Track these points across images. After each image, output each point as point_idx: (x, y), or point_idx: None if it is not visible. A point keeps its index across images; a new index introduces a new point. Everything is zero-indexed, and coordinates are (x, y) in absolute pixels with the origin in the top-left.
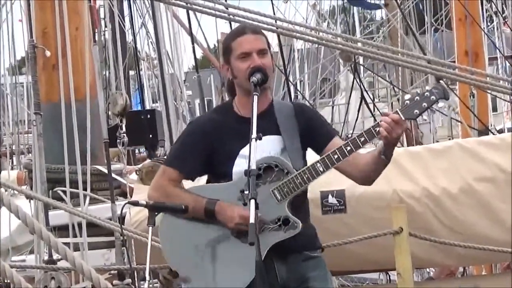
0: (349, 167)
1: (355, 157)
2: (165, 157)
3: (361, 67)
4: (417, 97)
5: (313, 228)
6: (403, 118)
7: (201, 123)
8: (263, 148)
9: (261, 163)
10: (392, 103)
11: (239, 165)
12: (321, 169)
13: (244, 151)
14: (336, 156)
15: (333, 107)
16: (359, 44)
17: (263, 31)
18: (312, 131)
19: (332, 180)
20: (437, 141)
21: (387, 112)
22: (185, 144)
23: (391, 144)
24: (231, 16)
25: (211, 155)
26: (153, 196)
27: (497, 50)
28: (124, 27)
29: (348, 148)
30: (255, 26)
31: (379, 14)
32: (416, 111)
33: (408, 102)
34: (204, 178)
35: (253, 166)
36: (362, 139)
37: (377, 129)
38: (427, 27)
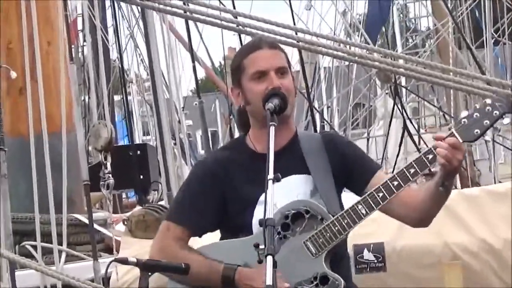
0: (401, 207)
1: (406, 193)
2: (160, 203)
3: (403, 90)
4: (476, 113)
5: None
6: (461, 141)
7: (208, 165)
8: (289, 190)
9: (288, 209)
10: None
11: (260, 214)
12: (363, 211)
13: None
14: (381, 194)
15: (368, 140)
16: (401, 61)
17: (281, 45)
18: (346, 168)
19: (368, 231)
20: (499, 182)
21: (441, 135)
22: (191, 192)
23: (452, 174)
24: (240, 27)
25: (224, 203)
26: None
27: None
28: (108, 41)
29: (395, 183)
30: (272, 40)
31: (425, 23)
32: (476, 130)
33: (465, 120)
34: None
35: (270, 215)
36: (412, 170)
37: (429, 156)
38: (486, 38)
